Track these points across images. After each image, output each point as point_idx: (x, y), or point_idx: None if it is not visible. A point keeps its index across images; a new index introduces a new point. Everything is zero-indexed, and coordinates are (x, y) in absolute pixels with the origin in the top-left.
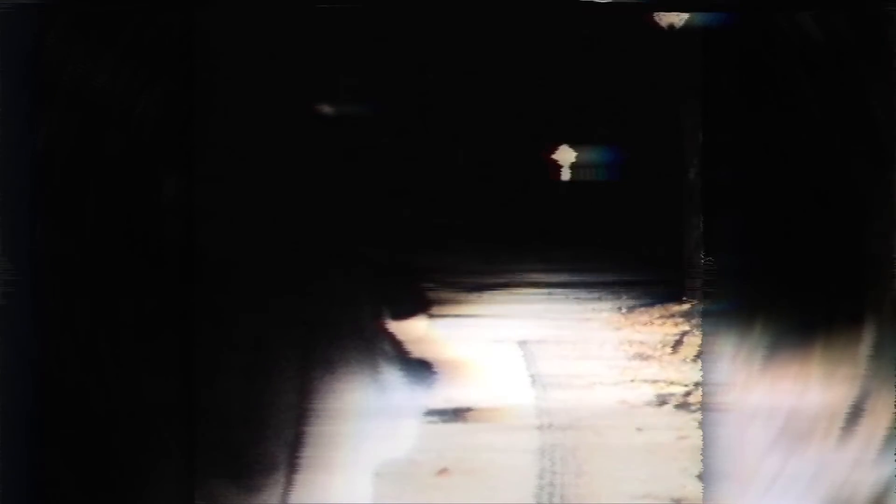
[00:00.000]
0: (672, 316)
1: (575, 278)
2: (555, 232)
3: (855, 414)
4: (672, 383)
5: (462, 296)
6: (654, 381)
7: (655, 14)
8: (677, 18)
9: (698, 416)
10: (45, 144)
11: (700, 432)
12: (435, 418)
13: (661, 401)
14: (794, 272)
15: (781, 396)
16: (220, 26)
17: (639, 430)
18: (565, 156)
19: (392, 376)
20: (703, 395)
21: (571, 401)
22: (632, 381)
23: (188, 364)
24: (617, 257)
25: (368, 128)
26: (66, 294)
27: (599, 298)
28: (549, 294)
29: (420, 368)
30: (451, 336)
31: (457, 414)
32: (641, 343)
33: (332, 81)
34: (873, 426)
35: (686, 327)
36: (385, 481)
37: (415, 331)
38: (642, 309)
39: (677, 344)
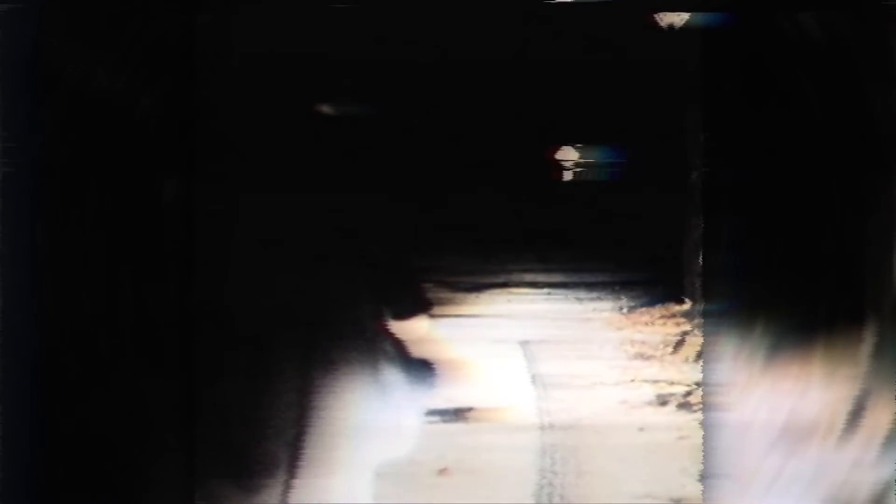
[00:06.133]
0: (673, 316)
1: (575, 278)
2: (555, 232)
3: (855, 414)
4: (673, 383)
5: (463, 296)
6: (655, 381)
7: (655, 14)
8: (677, 18)
9: (699, 416)
10: (45, 144)
11: (701, 432)
12: (436, 418)
13: (662, 401)
14: (795, 272)
15: (782, 396)
16: (220, 26)
17: (640, 430)
18: (567, 156)
19: (393, 376)
20: (704, 395)
21: (572, 401)
22: (632, 381)
23: (188, 364)
24: (617, 257)
25: (368, 128)
26: (66, 294)
27: (600, 298)
28: (550, 294)
29: (421, 368)
30: (451, 336)
31: (457, 414)
32: (642, 343)
33: (332, 81)
34: (873, 426)
35: (687, 327)
36: (386, 481)
37: (415, 331)
38: (643, 309)
39: (678, 344)
